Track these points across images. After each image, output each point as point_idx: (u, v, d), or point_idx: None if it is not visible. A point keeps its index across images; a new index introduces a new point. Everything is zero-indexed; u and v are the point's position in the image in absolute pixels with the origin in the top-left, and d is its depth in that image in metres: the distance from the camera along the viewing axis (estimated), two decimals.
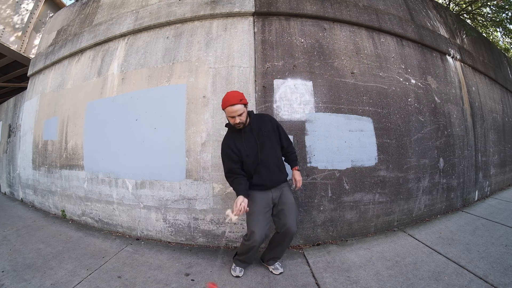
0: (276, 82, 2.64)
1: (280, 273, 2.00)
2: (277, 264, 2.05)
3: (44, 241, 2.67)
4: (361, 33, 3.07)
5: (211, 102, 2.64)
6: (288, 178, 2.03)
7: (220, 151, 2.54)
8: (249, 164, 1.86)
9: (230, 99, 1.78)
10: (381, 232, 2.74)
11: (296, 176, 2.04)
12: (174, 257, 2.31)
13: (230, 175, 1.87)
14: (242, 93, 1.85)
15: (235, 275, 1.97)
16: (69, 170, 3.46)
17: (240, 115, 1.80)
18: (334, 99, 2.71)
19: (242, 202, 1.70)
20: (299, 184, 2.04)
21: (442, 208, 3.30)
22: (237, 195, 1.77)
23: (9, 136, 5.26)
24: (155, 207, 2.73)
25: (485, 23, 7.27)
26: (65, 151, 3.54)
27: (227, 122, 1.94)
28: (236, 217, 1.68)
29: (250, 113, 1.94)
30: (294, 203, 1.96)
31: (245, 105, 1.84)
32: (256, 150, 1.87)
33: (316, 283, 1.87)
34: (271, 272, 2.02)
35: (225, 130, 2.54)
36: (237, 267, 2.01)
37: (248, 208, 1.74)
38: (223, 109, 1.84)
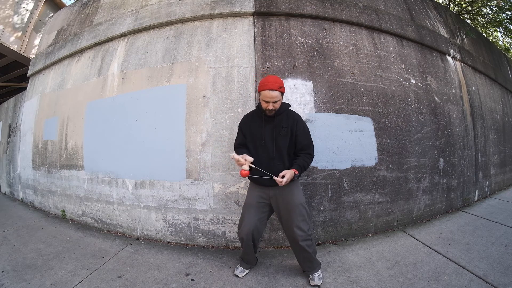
0: None
1: (315, 285, 1.81)
2: (315, 275, 1.85)
3: (44, 241, 2.67)
4: (361, 33, 3.07)
5: (211, 102, 2.64)
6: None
7: (220, 152, 2.56)
8: (257, 154, 1.82)
9: (270, 83, 1.70)
10: (381, 232, 2.74)
11: (284, 173, 1.70)
12: (174, 257, 2.31)
13: (235, 148, 1.96)
14: (283, 81, 1.81)
15: (234, 274, 1.97)
16: (69, 170, 3.46)
17: (275, 102, 1.73)
18: (334, 99, 2.71)
19: (235, 155, 1.74)
20: (279, 181, 1.68)
21: (442, 208, 3.30)
22: None
23: (9, 136, 5.25)
24: (155, 207, 2.73)
25: (485, 23, 7.27)
26: (65, 151, 3.54)
27: (258, 105, 1.89)
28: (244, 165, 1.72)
29: (284, 105, 1.86)
30: (296, 203, 1.78)
31: (283, 93, 1.78)
32: (272, 145, 1.80)
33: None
34: (308, 282, 1.86)
35: (225, 130, 2.57)
36: (240, 267, 2.01)
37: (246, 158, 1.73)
38: (259, 92, 1.76)
